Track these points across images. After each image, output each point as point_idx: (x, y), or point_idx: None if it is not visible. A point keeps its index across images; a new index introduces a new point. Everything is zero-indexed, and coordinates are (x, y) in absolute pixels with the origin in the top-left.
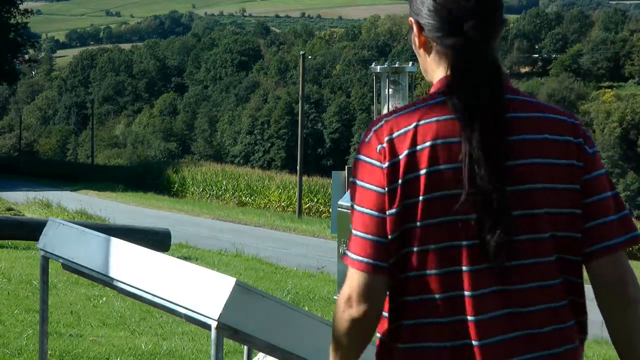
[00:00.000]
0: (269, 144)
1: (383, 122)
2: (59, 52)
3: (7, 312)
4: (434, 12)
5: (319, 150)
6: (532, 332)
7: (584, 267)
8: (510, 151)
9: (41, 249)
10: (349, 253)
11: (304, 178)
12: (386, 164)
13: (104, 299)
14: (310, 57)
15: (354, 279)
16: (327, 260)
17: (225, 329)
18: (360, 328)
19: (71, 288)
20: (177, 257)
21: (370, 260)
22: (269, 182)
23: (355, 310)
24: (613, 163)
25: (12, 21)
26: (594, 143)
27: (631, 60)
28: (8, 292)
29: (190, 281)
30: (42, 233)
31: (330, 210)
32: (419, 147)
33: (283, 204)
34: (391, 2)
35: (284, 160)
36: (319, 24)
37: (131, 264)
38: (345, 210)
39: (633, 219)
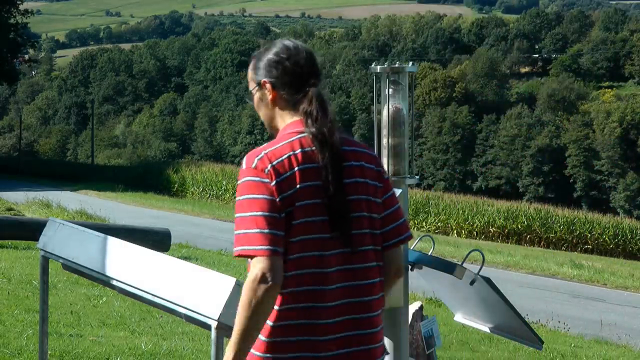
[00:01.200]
0: None
1: (262, 154)
2: (59, 52)
3: (7, 312)
4: (284, 73)
5: None
6: (364, 299)
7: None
8: (345, 173)
9: (41, 249)
10: (249, 247)
11: None
12: (273, 182)
13: (104, 299)
14: None
15: (263, 262)
16: None
17: (225, 328)
18: (273, 297)
19: (71, 288)
20: (177, 257)
21: (273, 248)
22: None
23: (271, 283)
24: (613, 163)
25: (12, 21)
26: (386, 171)
27: (631, 60)
28: (8, 292)
29: (190, 281)
30: (42, 233)
31: None
32: (296, 169)
33: None
34: (391, 2)
35: None
36: (319, 24)
37: (131, 264)
38: None
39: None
